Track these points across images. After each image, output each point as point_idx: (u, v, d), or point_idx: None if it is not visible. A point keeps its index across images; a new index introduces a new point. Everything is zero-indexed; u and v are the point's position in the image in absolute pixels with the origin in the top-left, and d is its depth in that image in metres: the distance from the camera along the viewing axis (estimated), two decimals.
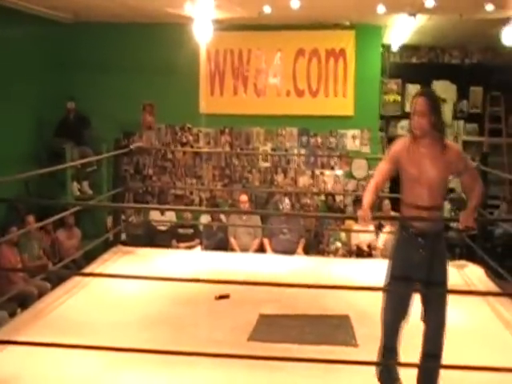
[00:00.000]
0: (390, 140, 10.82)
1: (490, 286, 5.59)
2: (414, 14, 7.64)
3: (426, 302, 3.41)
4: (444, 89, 11.01)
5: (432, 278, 3.38)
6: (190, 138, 9.91)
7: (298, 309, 4.92)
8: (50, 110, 9.13)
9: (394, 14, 7.98)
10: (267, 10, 7.66)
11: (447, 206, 8.70)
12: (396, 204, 7.62)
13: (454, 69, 11.28)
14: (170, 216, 9.02)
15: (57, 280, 5.96)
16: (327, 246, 8.53)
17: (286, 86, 9.53)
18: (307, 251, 8.22)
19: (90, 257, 6.41)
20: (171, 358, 3.64)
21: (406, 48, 10.89)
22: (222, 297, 5.07)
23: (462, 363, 3.43)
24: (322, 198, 9.62)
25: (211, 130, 9.83)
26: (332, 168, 9.75)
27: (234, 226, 8.29)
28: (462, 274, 5.96)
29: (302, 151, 9.76)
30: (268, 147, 9.80)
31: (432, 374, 3.44)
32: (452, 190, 8.84)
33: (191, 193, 10.06)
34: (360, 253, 8.25)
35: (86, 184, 9.19)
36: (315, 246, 8.53)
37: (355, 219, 3.99)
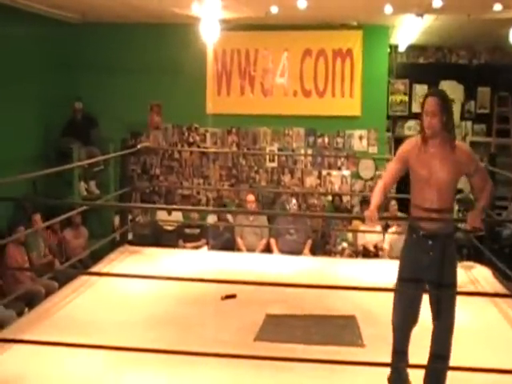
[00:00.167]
0: (397, 140, 10.83)
1: (498, 287, 5.57)
2: (421, 15, 7.63)
3: (434, 304, 3.40)
4: (451, 89, 10.95)
5: (441, 280, 3.36)
6: (197, 137, 9.92)
7: (305, 309, 4.92)
8: (57, 111, 9.17)
9: (402, 15, 7.96)
10: (274, 10, 7.66)
11: (455, 206, 8.66)
12: (403, 205, 7.62)
13: (461, 69, 11.24)
14: (177, 216, 9.03)
15: (64, 279, 5.98)
16: (334, 247, 8.51)
17: (292, 86, 9.53)
18: (314, 252, 8.21)
19: (97, 256, 6.43)
20: (177, 357, 3.64)
21: (413, 48, 10.86)
22: (228, 297, 5.07)
23: (469, 364, 3.42)
24: (329, 198, 9.61)
25: (218, 129, 9.84)
26: (339, 168, 9.74)
27: (240, 226, 8.29)
28: (470, 275, 5.93)
29: (309, 151, 9.75)
30: (275, 147, 9.80)
31: (440, 376, 3.43)
32: (460, 191, 8.80)
33: (198, 193, 10.07)
34: (366, 253, 8.24)
35: (93, 184, 9.22)
36: (322, 247, 8.52)
37: (362, 219, 3.98)
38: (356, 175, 9.67)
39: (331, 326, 4.62)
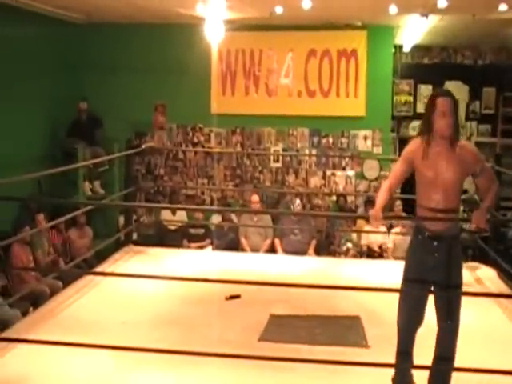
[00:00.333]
0: (402, 141, 10.82)
1: (503, 287, 5.55)
2: (426, 15, 7.62)
3: (439, 305, 3.39)
4: (456, 89, 10.92)
5: (447, 282, 3.35)
6: (202, 138, 9.93)
7: (309, 309, 4.91)
8: (62, 111, 9.19)
9: (406, 15, 7.95)
10: (279, 10, 7.66)
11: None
12: (408, 205, 7.61)
13: (466, 69, 11.22)
14: (182, 216, 9.04)
15: (69, 279, 5.99)
16: (338, 247, 8.51)
17: (297, 87, 9.53)
18: (318, 252, 8.20)
19: (102, 256, 6.45)
20: (181, 357, 3.64)
21: (418, 48, 10.84)
22: (232, 297, 5.07)
23: (474, 365, 3.41)
24: (334, 198, 9.60)
25: (222, 130, 9.85)
26: (343, 169, 9.73)
27: (245, 227, 8.29)
28: (475, 275, 5.92)
29: (314, 152, 9.75)
30: (279, 147, 9.80)
31: (445, 377, 3.42)
32: (465, 192, 8.79)
33: (202, 193, 10.08)
34: (371, 253, 8.23)
35: (97, 184, 9.24)
36: (326, 247, 8.52)
37: (366, 219, 3.97)
38: (360, 175, 9.67)
39: (335, 326, 4.61)
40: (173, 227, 8.86)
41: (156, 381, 3.69)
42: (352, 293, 4.96)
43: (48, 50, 8.99)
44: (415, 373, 3.53)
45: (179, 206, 9.63)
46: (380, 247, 8.22)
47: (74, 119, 9.24)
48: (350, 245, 8.45)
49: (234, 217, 8.93)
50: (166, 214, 9.01)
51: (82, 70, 9.58)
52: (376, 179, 9.56)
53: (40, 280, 6.67)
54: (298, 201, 8.66)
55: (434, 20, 8.00)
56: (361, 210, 9.24)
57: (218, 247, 8.20)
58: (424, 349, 3.44)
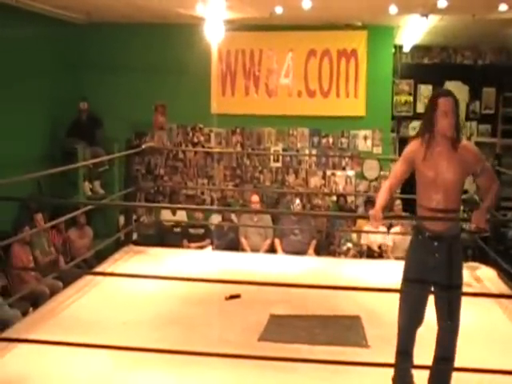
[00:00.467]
0: (402, 141, 10.82)
1: (503, 287, 5.55)
2: (426, 15, 7.62)
3: (440, 306, 3.39)
4: (456, 89, 10.86)
5: (447, 282, 3.35)
6: (202, 138, 9.93)
7: (309, 309, 4.91)
8: (62, 111, 9.20)
9: (406, 15, 7.95)
10: (279, 10, 7.66)
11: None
12: (407, 204, 7.61)
13: (466, 69, 11.22)
14: (181, 216, 9.04)
15: (69, 279, 5.99)
16: (338, 247, 8.51)
17: (297, 87, 9.53)
18: (318, 252, 8.20)
19: (102, 256, 6.44)
20: (182, 357, 3.64)
21: (417, 48, 10.84)
22: (232, 297, 5.06)
23: (474, 365, 3.41)
24: (334, 198, 9.61)
25: (222, 130, 9.85)
26: (343, 169, 9.73)
27: (244, 227, 8.29)
28: (475, 275, 5.92)
29: (314, 152, 9.76)
30: (279, 147, 9.80)
31: (444, 377, 3.42)
32: (465, 192, 8.79)
33: (202, 193, 10.08)
34: (371, 253, 8.23)
35: (97, 184, 9.24)
36: (326, 247, 8.52)
37: (366, 218, 3.98)
38: (360, 175, 9.67)
39: (335, 326, 4.61)
40: (173, 227, 8.85)
41: (156, 381, 3.69)
42: (352, 293, 4.96)
43: (48, 49, 8.99)
44: (415, 373, 3.53)
45: (179, 205, 9.62)
46: (380, 247, 8.22)
47: (74, 119, 9.24)
48: (350, 245, 8.45)
49: (233, 217, 8.93)
50: (166, 214, 9.01)
51: (81, 70, 9.58)
52: (376, 179, 9.57)
53: (40, 280, 6.68)
54: (297, 201, 8.67)
55: (433, 20, 8.00)
56: (361, 210, 9.24)
57: (217, 247, 8.20)
58: (424, 349, 3.44)
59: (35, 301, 6.11)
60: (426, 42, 10.27)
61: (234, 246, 8.19)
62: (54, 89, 9.13)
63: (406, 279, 3.46)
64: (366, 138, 9.60)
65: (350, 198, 9.56)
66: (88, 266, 7.17)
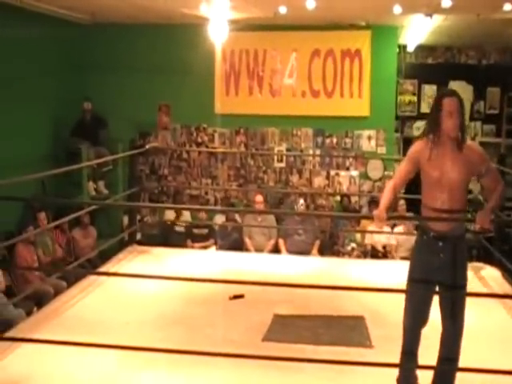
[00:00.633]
0: (406, 141, 10.80)
1: (507, 288, 5.54)
2: (430, 15, 7.60)
3: (444, 306, 3.38)
4: (460, 89, 10.79)
5: (451, 282, 3.34)
6: (206, 138, 9.93)
7: (313, 309, 4.91)
8: (67, 111, 9.21)
9: (410, 15, 7.93)
10: (283, 10, 7.66)
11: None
12: (412, 204, 7.60)
13: (470, 69, 11.18)
14: (185, 216, 9.04)
15: (72, 279, 6.00)
16: (342, 247, 8.50)
17: (301, 87, 9.52)
18: (322, 252, 8.20)
19: (106, 256, 6.45)
20: (185, 357, 3.64)
21: (422, 48, 10.81)
22: (236, 297, 5.07)
23: (478, 365, 3.40)
24: (338, 198, 9.60)
25: (226, 130, 9.85)
26: (347, 169, 9.72)
27: (248, 227, 8.29)
28: (479, 275, 5.90)
29: (318, 152, 9.74)
30: (283, 147, 9.79)
31: (449, 377, 3.41)
32: (469, 192, 8.76)
33: (206, 193, 10.09)
34: (375, 253, 8.22)
35: (101, 184, 9.25)
36: (330, 247, 8.51)
37: (371, 218, 3.97)
38: (364, 176, 9.65)
39: (339, 326, 4.60)
40: (177, 228, 8.86)
41: (160, 381, 3.69)
42: (356, 293, 4.96)
43: (52, 50, 9.00)
44: (419, 373, 3.52)
45: (183, 206, 9.63)
46: (384, 247, 8.21)
47: (78, 119, 9.26)
48: (353, 245, 8.45)
49: (237, 217, 8.93)
50: (169, 214, 9.01)
51: (86, 71, 9.60)
52: (380, 179, 9.55)
53: (44, 280, 6.69)
54: (301, 201, 8.66)
55: (438, 20, 7.98)
56: (365, 210, 9.23)
57: (221, 247, 8.20)
58: (428, 349, 3.43)
59: (39, 300, 6.13)
60: (430, 41, 10.24)
61: (238, 246, 8.19)
62: (58, 89, 9.15)
63: (411, 279, 3.45)
64: (369, 138, 9.59)
65: (353, 198, 9.55)
66: (92, 265, 7.18)
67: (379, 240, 8.28)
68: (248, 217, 8.59)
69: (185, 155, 10.00)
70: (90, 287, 5.29)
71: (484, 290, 5.44)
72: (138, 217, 7.77)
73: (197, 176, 9.99)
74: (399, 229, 8.24)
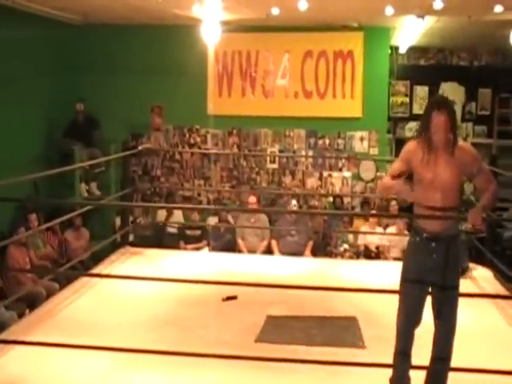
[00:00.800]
0: (398, 142, 10.83)
1: (499, 288, 5.57)
2: (422, 16, 7.63)
3: (437, 306, 3.39)
4: (452, 90, 10.98)
5: (444, 282, 3.35)
6: (198, 139, 9.93)
7: (306, 310, 4.92)
8: (59, 112, 9.18)
9: (403, 16, 7.96)
10: (275, 11, 7.67)
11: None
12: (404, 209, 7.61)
13: (462, 71, 11.25)
14: (178, 217, 9.03)
15: (65, 281, 5.98)
16: (335, 248, 8.52)
17: (293, 88, 9.53)
18: (315, 253, 8.20)
19: (98, 257, 6.43)
20: (178, 358, 3.64)
21: (414, 50, 10.87)
22: (229, 298, 5.07)
23: (470, 365, 3.42)
24: (330, 199, 9.61)
25: (219, 131, 9.85)
26: (340, 170, 9.74)
27: (241, 228, 8.29)
28: (471, 276, 5.92)
29: (310, 153, 9.75)
30: (276, 149, 9.80)
31: (441, 377, 3.42)
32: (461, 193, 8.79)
33: (199, 194, 10.08)
34: (368, 254, 8.24)
35: (94, 185, 9.22)
36: (323, 248, 8.52)
37: (363, 216, 3.98)
38: (357, 176, 9.67)
39: (332, 327, 4.61)
40: (170, 229, 8.84)
41: (153, 382, 3.68)
42: (349, 294, 4.96)
43: (45, 51, 8.97)
44: (412, 373, 3.53)
45: (176, 205, 9.61)
46: (377, 248, 8.22)
47: (71, 120, 9.23)
48: (346, 246, 8.46)
49: (230, 218, 8.93)
50: (162, 216, 9.00)
51: (78, 71, 9.56)
52: (372, 180, 9.58)
53: (36, 282, 6.66)
54: (294, 202, 8.67)
55: (430, 21, 8.02)
56: (357, 211, 9.25)
57: (214, 248, 8.19)
58: (421, 349, 3.44)
59: (32, 302, 6.09)
60: (423, 43, 10.29)
61: (231, 247, 8.19)
62: (50, 90, 9.12)
63: (404, 280, 3.46)
64: (362, 139, 9.61)
65: (346, 199, 9.56)
66: (84, 267, 7.15)
67: (372, 241, 8.31)
68: (241, 218, 8.59)
69: (177, 156, 9.99)
70: (83, 289, 5.27)
71: (476, 291, 5.47)
72: (131, 218, 7.74)
73: (189, 177, 9.98)
74: (391, 229, 8.26)
